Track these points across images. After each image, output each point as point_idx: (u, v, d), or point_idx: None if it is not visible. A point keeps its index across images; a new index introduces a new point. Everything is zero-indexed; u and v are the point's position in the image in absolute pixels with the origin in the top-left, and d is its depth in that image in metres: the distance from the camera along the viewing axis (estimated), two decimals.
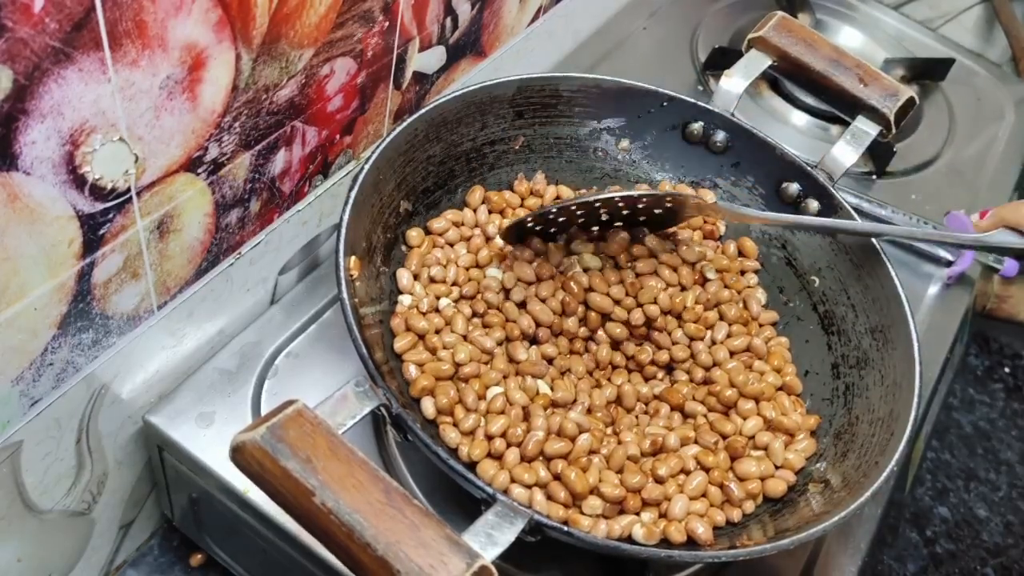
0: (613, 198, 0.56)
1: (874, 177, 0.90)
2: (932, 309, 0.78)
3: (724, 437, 0.55)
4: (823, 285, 0.63)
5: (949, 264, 0.83)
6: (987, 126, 1.00)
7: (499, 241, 0.61)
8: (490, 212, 0.63)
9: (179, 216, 0.51)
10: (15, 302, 0.43)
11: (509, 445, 0.51)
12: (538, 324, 0.57)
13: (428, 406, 0.52)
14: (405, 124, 0.57)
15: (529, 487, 0.50)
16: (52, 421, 0.51)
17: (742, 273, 0.64)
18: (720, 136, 0.66)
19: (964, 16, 1.15)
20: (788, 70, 0.66)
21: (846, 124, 0.64)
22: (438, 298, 0.58)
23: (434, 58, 0.67)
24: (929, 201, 0.88)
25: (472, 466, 0.51)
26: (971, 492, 1.02)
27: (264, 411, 0.59)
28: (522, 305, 0.58)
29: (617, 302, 0.59)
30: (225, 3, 0.44)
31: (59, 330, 0.47)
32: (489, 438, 0.52)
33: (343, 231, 0.51)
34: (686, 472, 0.53)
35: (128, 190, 0.46)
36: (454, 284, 0.59)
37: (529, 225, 0.59)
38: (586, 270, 0.60)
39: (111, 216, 0.46)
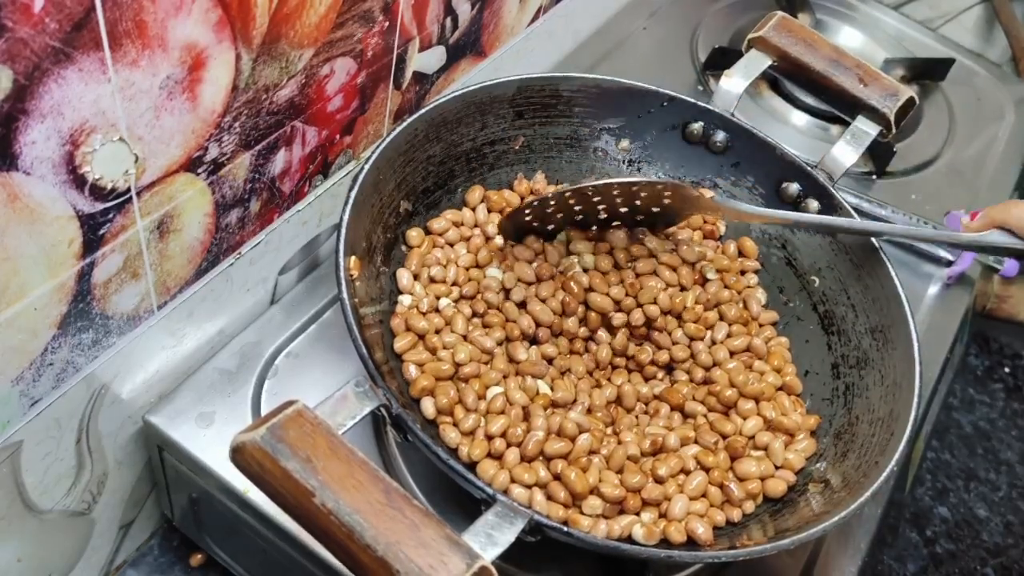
0: (611, 185, 0.56)
1: (874, 177, 0.90)
2: (932, 309, 0.78)
3: (724, 437, 0.55)
4: (823, 285, 0.63)
5: (949, 264, 0.83)
6: (987, 126, 1.00)
7: (498, 239, 0.61)
8: (489, 211, 0.63)
9: (179, 216, 0.51)
10: (15, 302, 0.43)
11: (509, 445, 0.51)
12: (538, 324, 0.57)
13: (428, 406, 0.52)
14: (405, 124, 0.57)
15: (529, 487, 0.50)
16: (52, 421, 0.51)
17: (742, 273, 0.64)
18: (720, 136, 0.66)
19: (964, 16, 1.15)
20: (788, 70, 0.66)
21: (846, 124, 0.64)
22: (438, 298, 0.58)
23: (434, 58, 0.67)
24: (929, 201, 0.88)
25: (472, 466, 0.51)
26: (971, 492, 1.02)
27: (264, 411, 0.59)
28: (522, 305, 0.58)
29: (617, 303, 0.59)
30: (225, 3, 0.44)
31: (59, 330, 0.47)
32: (489, 438, 0.52)
33: (343, 231, 0.51)
34: (686, 472, 0.53)
35: (128, 190, 0.46)
36: (454, 284, 0.59)
37: (527, 218, 0.58)
38: (585, 270, 0.60)
39: (111, 216, 0.46)
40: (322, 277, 0.68)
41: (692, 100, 0.65)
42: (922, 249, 0.83)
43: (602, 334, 0.59)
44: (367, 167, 0.54)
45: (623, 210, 0.59)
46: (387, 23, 0.58)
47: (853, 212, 0.61)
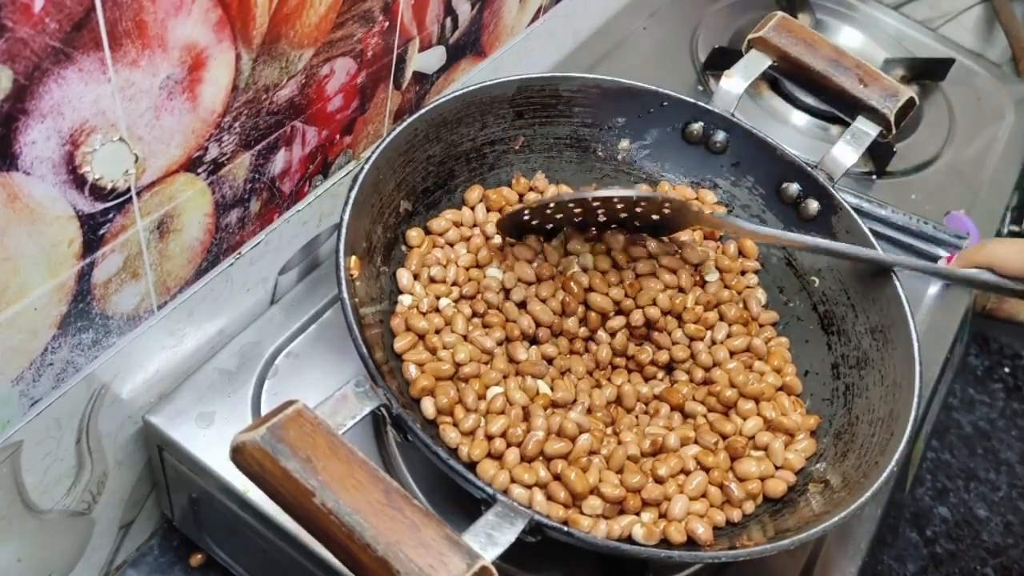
0: (612, 198, 0.56)
1: (874, 177, 0.90)
2: (932, 309, 0.78)
3: (724, 437, 0.55)
4: (823, 285, 0.63)
5: None
6: (987, 126, 1.00)
7: (497, 239, 0.61)
8: (488, 211, 0.63)
9: (179, 216, 0.51)
10: (15, 302, 0.43)
11: (509, 445, 0.51)
12: (538, 324, 0.57)
13: (428, 406, 0.52)
14: (405, 124, 0.57)
15: (529, 487, 0.50)
16: (52, 421, 0.51)
17: (742, 273, 0.64)
18: (720, 136, 0.66)
19: (964, 16, 1.15)
20: (788, 70, 0.66)
21: (846, 124, 0.64)
22: (438, 298, 0.58)
23: (434, 58, 0.67)
24: (929, 201, 0.88)
25: (472, 466, 0.51)
26: (971, 492, 1.02)
27: (264, 411, 0.59)
28: (522, 305, 0.58)
29: (617, 303, 0.59)
30: (225, 3, 0.44)
31: (59, 330, 0.47)
32: (489, 438, 0.52)
33: (343, 231, 0.51)
34: (686, 472, 0.53)
35: (128, 190, 0.46)
36: (454, 284, 0.59)
37: (525, 218, 0.58)
38: (585, 270, 0.60)
39: (111, 216, 0.46)
40: (322, 277, 0.68)
41: (692, 100, 0.65)
42: (922, 249, 0.83)
43: (602, 334, 0.59)
44: (367, 167, 0.54)
45: (623, 215, 0.59)
46: (387, 23, 0.58)
47: (853, 212, 0.61)
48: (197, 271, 0.55)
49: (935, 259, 0.83)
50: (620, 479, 0.51)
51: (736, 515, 0.53)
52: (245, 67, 0.48)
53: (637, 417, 0.57)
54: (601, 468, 0.52)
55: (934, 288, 0.81)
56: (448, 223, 0.61)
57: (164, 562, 0.67)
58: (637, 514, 0.51)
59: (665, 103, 0.66)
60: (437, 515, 0.39)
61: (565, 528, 0.45)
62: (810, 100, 0.92)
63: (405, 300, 0.57)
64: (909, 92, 0.64)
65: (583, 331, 0.59)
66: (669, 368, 0.60)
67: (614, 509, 0.51)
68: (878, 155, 0.89)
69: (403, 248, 0.60)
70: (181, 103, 0.46)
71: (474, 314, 0.57)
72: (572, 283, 0.58)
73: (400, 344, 0.54)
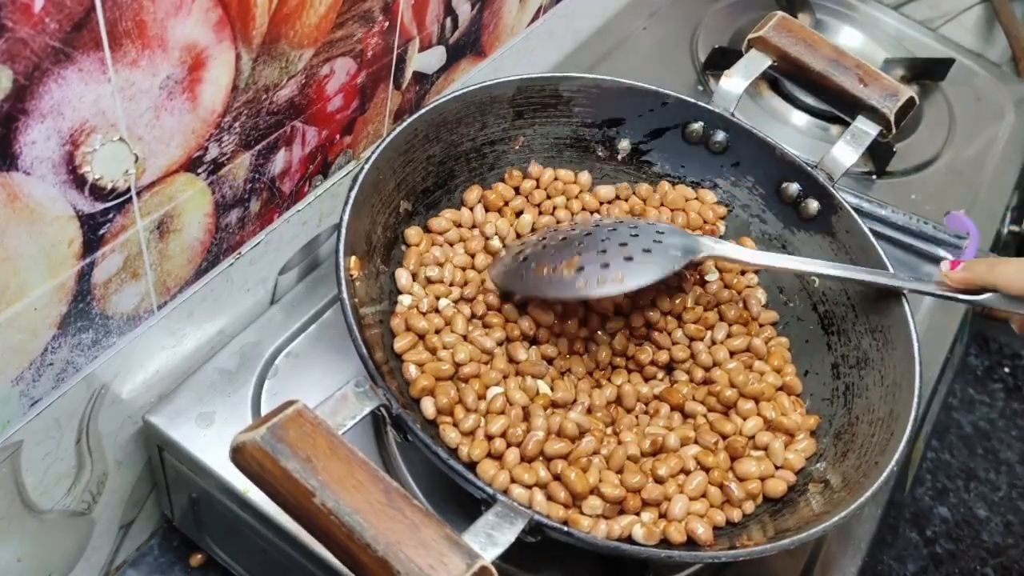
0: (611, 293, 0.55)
1: (874, 177, 0.90)
2: (932, 309, 0.78)
3: (724, 437, 0.55)
4: (823, 285, 0.63)
5: None
6: (987, 126, 1.00)
7: (496, 242, 0.61)
8: (487, 210, 0.63)
9: (179, 216, 0.51)
10: (15, 302, 0.43)
11: (509, 445, 0.51)
12: (538, 325, 0.57)
13: (428, 406, 0.52)
14: (405, 124, 0.57)
15: (529, 487, 0.50)
16: (52, 421, 0.51)
17: (742, 273, 0.64)
18: (720, 136, 0.66)
19: (964, 16, 1.15)
20: (788, 70, 0.66)
21: (846, 124, 0.64)
22: (438, 298, 0.58)
23: (434, 58, 0.67)
24: (929, 201, 0.89)
25: (472, 466, 0.51)
26: (971, 492, 1.02)
27: (264, 411, 0.59)
28: (522, 307, 0.58)
29: (617, 304, 0.59)
30: (225, 3, 0.44)
31: (59, 330, 0.47)
32: (489, 438, 0.52)
33: (343, 231, 0.51)
34: (686, 472, 0.53)
35: (128, 190, 0.46)
36: (452, 284, 0.59)
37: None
38: None
39: (111, 216, 0.46)
40: (322, 277, 0.68)
41: (692, 100, 0.65)
42: (922, 249, 0.83)
43: (602, 334, 0.59)
44: (367, 167, 0.54)
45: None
46: (387, 23, 0.58)
47: (853, 212, 0.61)
48: (197, 271, 0.55)
49: (936, 260, 0.83)
50: (620, 479, 0.51)
51: (736, 515, 0.53)
52: (245, 67, 0.48)
53: (637, 417, 0.57)
54: (601, 468, 0.52)
55: None
56: (448, 223, 0.61)
57: (164, 562, 0.67)
58: (637, 514, 0.51)
59: (665, 103, 0.66)
60: (437, 515, 0.39)
61: (565, 528, 0.45)
62: (810, 100, 0.92)
63: (405, 300, 0.57)
64: (909, 92, 0.64)
65: (583, 332, 0.59)
66: (669, 368, 0.60)
67: (614, 509, 0.51)
68: (878, 155, 0.89)
69: (403, 247, 0.60)
70: (181, 103, 0.46)
71: (474, 315, 0.57)
72: None
73: (400, 344, 0.54)
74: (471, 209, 0.63)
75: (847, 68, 0.64)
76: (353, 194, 0.53)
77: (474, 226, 0.62)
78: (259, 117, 0.52)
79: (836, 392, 0.59)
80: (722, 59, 0.93)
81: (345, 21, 0.54)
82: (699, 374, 0.59)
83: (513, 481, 0.50)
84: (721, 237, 0.66)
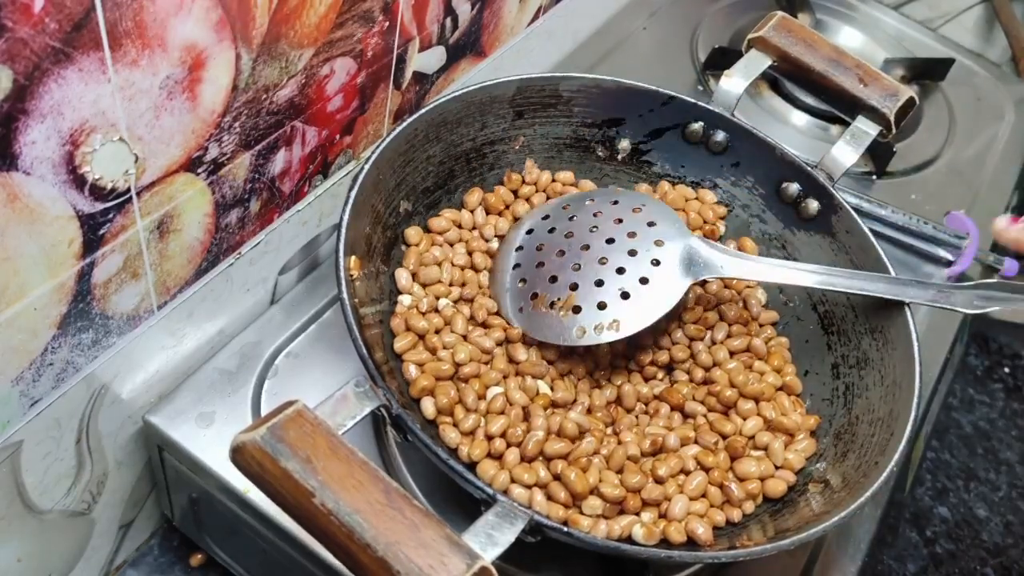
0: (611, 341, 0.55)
1: (874, 177, 0.90)
2: (932, 310, 0.78)
3: (724, 437, 0.55)
4: None
5: (949, 264, 0.83)
6: (987, 126, 1.00)
7: (495, 243, 0.61)
8: (488, 213, 0.63)
9: (179, 216, 0.51)
10: (15, 302, 0.43)
11: (509, 445, 0.51)
12: None
13: (428, 406, 0.52)
14: (405, 124, 0.57)
15: (529, 487, 0.50)
16: (52, 421, 0.51)
17: None
18: (720, 136, 0.66)
19: (964, 16, 1.15)
20: (788, 70, 0.66)
21: (846, 124, 0.64)
22: (437, 298, 0.58)
23: (434, 58, 0.67)
24: (929, 201, 0.89)
25: (472, 466, 0.51)
26: (971, 492, 1.02)
27: (264, 411, 0.59)
28: None
29: None
30: (225, 3, 0.44)
31: (59, 330, 0.47)
32: (489, 438, 0.52)
33: (343, 231, 0.51)
34: (686, 472, 0.53)
35: (128, 190, 0.46)
36: (452, 284, 0.59)
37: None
38: None
39: (111, 216, 0.46)
40: (322, 277, 0.68)
41: (692, 100, 0.65)
42: (922, 249, 0.83)
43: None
44: (367, 167, 0.54)
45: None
46: (387, 23, 0.58)
47: (853, 212, 0.61)
48: (197, 271, 0.55)
49: (936, 260, 0.83)
50: (620, 479, 0.51)
51: (736, 515, 0.53)
52: (245, 67, 0.48)
53: (637, 417, 0.57)
54: (601, 468, 0.52)
55: None
56: (448, 222, 0.61)
57: (164, 562, 0.67)
58: (637, 514, 0.51)
59: (665, 103, 0.66)
60: (437, 515, 0.39)
61: (565, 528, 0.45)
62: (810, 100, 0.92)
63: (405, 300, 0.57)
64: (909, 92, 0.64)
65: None
66: (669, 368, 0.60)
67: (614, 509, 0.51)
68: (878, 155, 0.89)
69: (403, 247, 0.60)
70: (181, 103, 0.46)
71: (473, 316, 0.57)
72: None
73: (400, 344, 0.54)
74: (472, 212, 0.63)
75: (847, 68, 0.64)
76: (353, 194, 0.53)
77: (474, 227, 0.62)
78: (259, 117, 0.52)
79: (836, 392, 0.59)
80: (722, 59, 0.93)
81: (345, 21, 0.54)
82: (699, 374, 0.59)
83: (513, 481, 0.50)
84: (721, 237, 0.66)
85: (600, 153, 0.68)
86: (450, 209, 0.62)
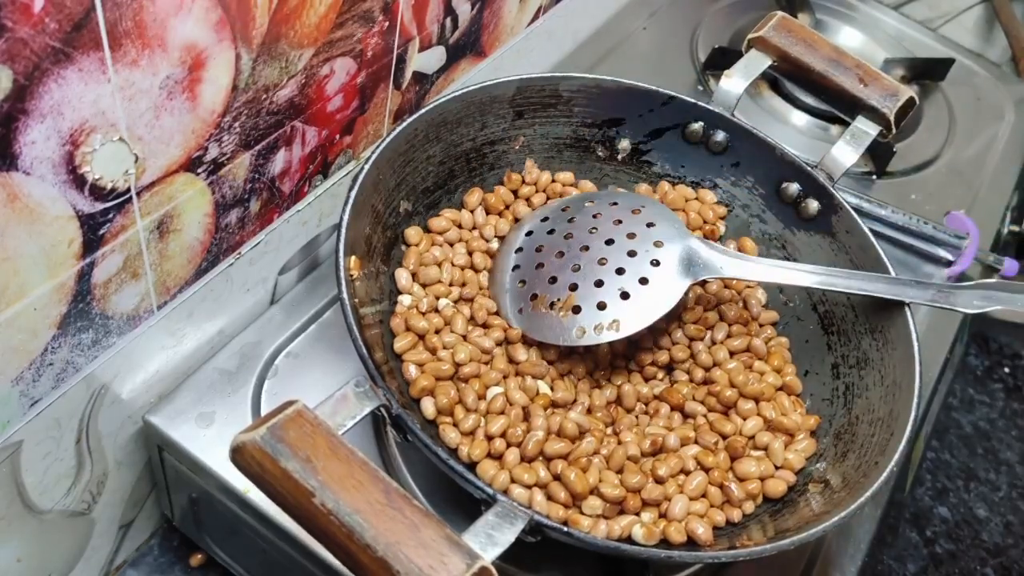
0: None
1: (874, 177, 0.90)
2: (932, 309, 0.78)
3: (724, 437, 0.55)
4: None
5: (949, 264, 0.83)
6: (987, 126, 1.00)
7: (494, 244, 0.61)
8: (488, 213, 0.63)
9: (179, 216, 0.51)
10: (15, 302, 0.43)
11: (509, 445, 0.51)
12: None
13: (428, 406, 0.52)
14: (405, 124, 0.57)
15: (529, 487, 0.50)
16: (52, 421, 0.51)
17: None
18: (720, 136, 0.66)
19: (964, 16, 1.15)
20: (788, 70, 0.66)
21: (846, 124, 0.64)
22: (437, 298, 0.58)
23: (434, 58, 0.67)
24: (929, 201, 0.89)
25: (472, 466, 0.51)
26: (971, 492, 1.02)
27: (264, 411, 0.59)
28: None
29: None
30: (225, 3, 0.44)
31: (59, 330, 0.47)
32: (489, 438, 0.52)
33: (343, 231, 0.51)
34: (686, 472, 0.53)
35: (128, 190, 0.46)
36: (452, 284, 0.59)
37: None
38: None
39: (111, 216, 0.46)
40: (322, 277, 0.68)
41: (692, 100, 0.65)
42: (922, 249, 0.83)
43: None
44: (367, 167, 0.54)
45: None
46: (387, 23, 0.58)
47: (853, 212, 0.61)
48: (197, 271, 0.55)
49: (936, 260, 0.83)
50: (620, 479, 0.51)
51: (736, 515, 0.53)
52: (245, 67, 0.48)
53: (637, 417, 0.57)
54: (601, 468, 0.52)
55: None
56: (448, 222, 0.61)
57: (164, 562, 0.67)
58: (637, 514, 0.51)
59: (665, 103, 0.66)
60: (437, 515, 0.39)
61: (565, 528, 0.45)
62: (810, 100, 0.92)
63: (405, 300, 0.57)
64: (909, 92, 0.64)
65: None
66: (669, 368, 0.60)
67: (614, 509, 0.51)
68: (878, 155, 0.89)
69: (403, 247, 0.60)
70: (181, 103, 0.46)
71: (473, 316, 0.57)
72: None
73: (400, 344, 0.54)
74: (472, 212, 0.63)
75: (847, 68, 0.64)
76: (353, 194, 0.53)
77: (474, 228, 0.62)
78: (259, 117, 0.52)
79: (836, 392, 0.59)
80: (722, 59, 0.93)
81: (345, 21, 0.54)
82: (699, 374, 0.59)
83: (513, 481, 0.50)
84: (721, 237, 0.66)
85: (600, 153, 0.68)
86: (450, 209, 0.62)
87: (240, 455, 0.40)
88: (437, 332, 0.56)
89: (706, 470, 0.53)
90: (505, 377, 0.55)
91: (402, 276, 0.58)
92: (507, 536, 0.42)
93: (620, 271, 0.57)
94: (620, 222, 0.59)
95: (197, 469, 0.57)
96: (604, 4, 0.96)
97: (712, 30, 1.00)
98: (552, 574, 0.56)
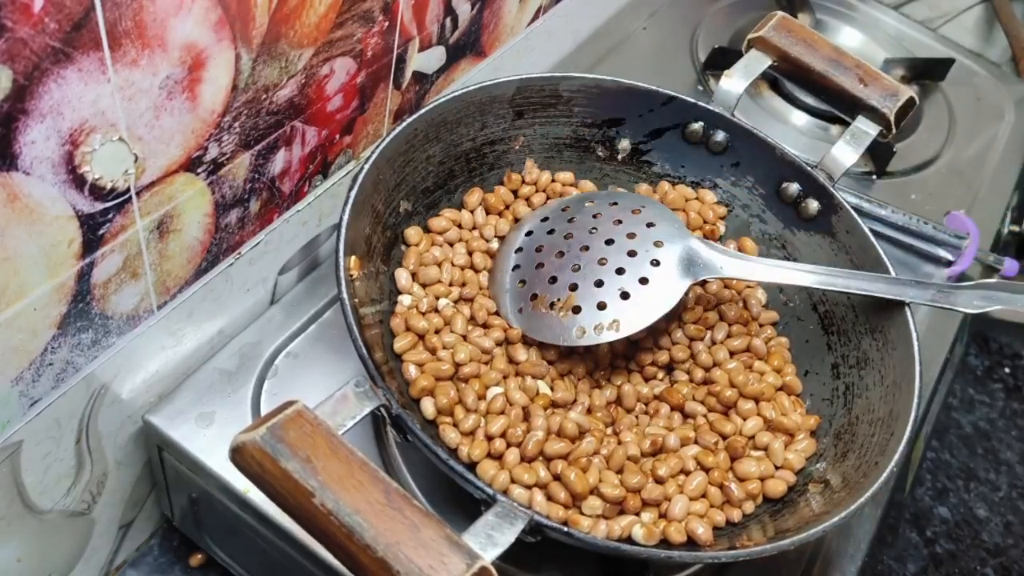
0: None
1: (874, 177, 0.90)
2: (932, 309, 0.78)
3: (724, 437, 0.55)
4: None
5: (949, 264, 0.83)
6: (987, 126, 1.00)
7: (494, 244, 0.61)
8: (488, 213, 0.63)
9: (179, 216, 0.51)
10: (15, 302, 0.43)
11: (509, 445, 0.51)
12: None
13: (428, 406, 0.52)
14: (405, 124, 0.57)
15: (529, 487, 0.50)
16: (52, 421, 0.51)
17: None
18: (720, 136, 0.66)
19: (964, 16, 1.15)
20: (788, 70, 0.66)
21: (846, 124, 0.64)
22: (437, 298, 0.58)
23: (434, 58, 0.67)
24: (929, 201, 0.89)
25: (472, 466, 0.51)
26: (971, 492, 1.02)
27: (264, 411, 0.59)
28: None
29: None
30: (225, 3, 0.44)
31: (59, 330, 0.47)
32: (489, 438, 0.52)
33: (343, 231, 0.51)
34: (686, 472, 0.53)
35: (128, 190, 0.46)
36: (452, 284, 0.59)
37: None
38: None
39: (111, 216, 0.46)
40: (322, 277, 0.68)
41: (692, 100, 0.65)
42: (922, 249, 0.83)
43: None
44: (367, 167, 0.54)
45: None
46: (387, 23, 0.58)
47: (853, 212, 0.61)
48: (197, 271, 0.55)
49: (936, 260, 0.83)
50: (620, 479, 0.51)
51: (736, 515, 0.53)
52: (245, 67, 0.48)
53: (637, 417, 0.57)
54: (601, 468, 0.52)
55: None
56: (447, 222, 0.61)
57: (164, 562, 0.67)
58: (637, 514, 0.51)
59: (665, 103, 0.65)
60: (437, 515, 0.39)
61: (565, 528, 0.45)
62: (810, 100, 0.92)
63: (405, 300, 0.57)
64: (909, 92, 0.64)
65: None
66: (669, 368, 0.60)
67: (614, 509, 0.51)
68: (878, 155, 0.89)
69: (403, 247, 0.60)
70: (181, 103, 0.46)
71: (473, 316, 0.57)
72: None
73: (400, 344, 0.54)
74: (472, 212, 0.63)
75: (847, 68, 0.64)
76: (353, 194, 0.53)
77: (474, 228, 0.62)
78: (259, 117, 0.52)
79: (836, 392, 0.59)
80: (722, 59, 0.93)
81: (345, 21, 0.54)
82: (699, 374, 0.59)
83: (513, 481, 0.50)
84: (721, 237, 0.66)
85: (600, 153, 0.68)
86: (450, 209, 0.62)
87: (240, 455, 0.40)
88: (437, 332, 0.56)
89: (706, 470, 0.53)
90: (505, 377, 0.55)
91: (402, 276, 0.58)
92: (507, 536, 0.42)
93: (620, 271, 0.57)
94: (620, 222, 0.59)
95: (197, 469, 0.57)
96: (604, 4, 0.96)
97: (712, 30, 1.00)
98: (552, 574, 0.56)
